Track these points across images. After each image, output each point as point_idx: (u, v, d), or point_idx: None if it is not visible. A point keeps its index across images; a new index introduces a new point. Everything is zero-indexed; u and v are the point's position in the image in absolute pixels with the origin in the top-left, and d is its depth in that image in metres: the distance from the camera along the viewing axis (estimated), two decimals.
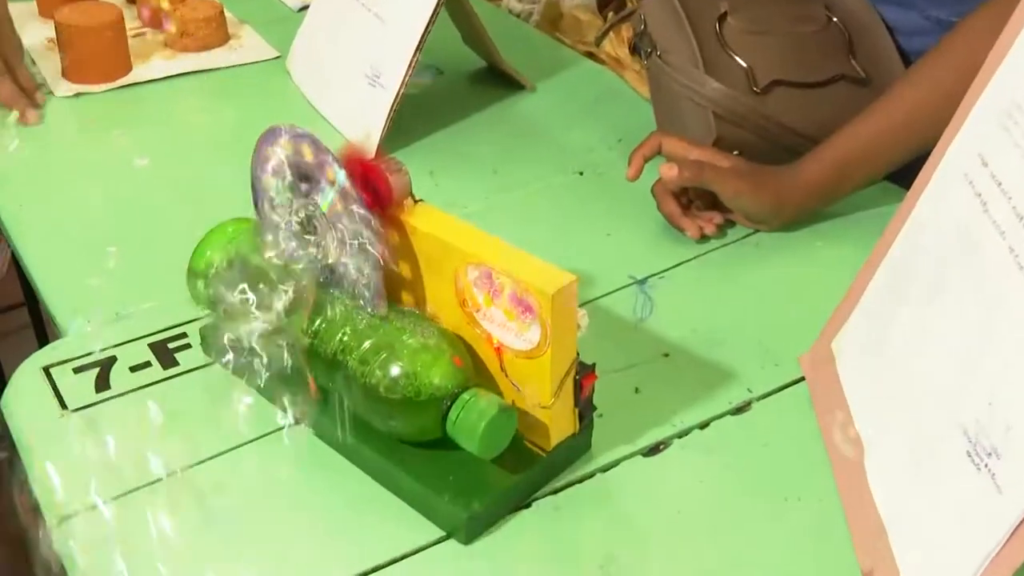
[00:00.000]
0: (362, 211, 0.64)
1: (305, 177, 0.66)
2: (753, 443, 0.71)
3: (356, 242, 0.65)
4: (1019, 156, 0.57)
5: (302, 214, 0.67)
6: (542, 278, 0.60)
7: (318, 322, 0.67)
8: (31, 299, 1.49)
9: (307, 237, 0.67)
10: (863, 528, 0.63)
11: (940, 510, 0.57)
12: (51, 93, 1.16)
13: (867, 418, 0.67)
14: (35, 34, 1.29)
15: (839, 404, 0.70)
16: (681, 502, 0.67)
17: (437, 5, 0.98)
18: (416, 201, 0.67)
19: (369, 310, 0.66)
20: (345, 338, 0.66)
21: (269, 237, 0.67)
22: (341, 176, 0.64)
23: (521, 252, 0.63)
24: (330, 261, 0.66)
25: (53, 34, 1.25)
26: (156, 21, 1.27)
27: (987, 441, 0.53)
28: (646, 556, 0.63)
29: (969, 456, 0.54)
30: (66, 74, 1.18)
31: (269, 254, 0.69)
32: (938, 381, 0.60)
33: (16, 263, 1.51)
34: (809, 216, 0.93)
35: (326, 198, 0.65)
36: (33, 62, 1.22)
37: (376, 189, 0.65)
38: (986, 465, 0.53)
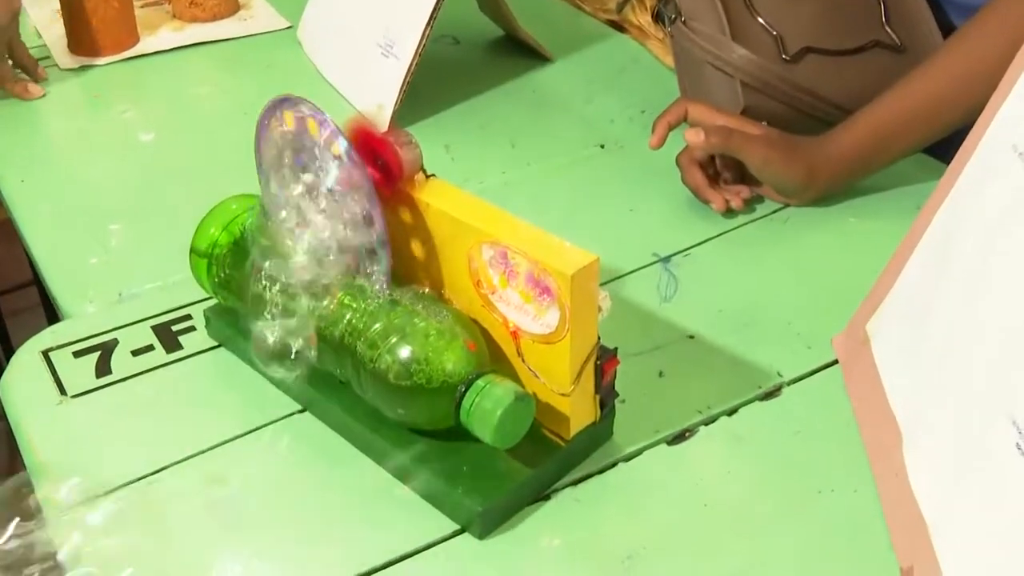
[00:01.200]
0: (368, 186, 0.60)
1: (310, 151, 0.63)
2: (783, 430, 0.67)
3: (363, 218, 0.61)
4: None
5: (307, 190, 0.63)
6: (561, 258, 0.57)
7: (325, 303, 0.63)
8: (40, 278, 1.46)
9: (312, 214, 0.63)
10: (902, 523, 0.59)
11: (986, 505, 0.53)
12: (56, 66, 1.12)
13: (906, 404, 0.63)
14: (41, 4, 1.26)
15: (875, 389, 0.66)
16: (708, 494, 0.63)
17: None
18: (428, 176, 0.64)
19: (377, 291, 0.63)
20: (353, 320, 0.62)
21: (273, 216, 0.64)
22: (346, 150, 0.60)
23: (539, 230, 0.59)
24: (336, 239, 0.63)
25: (58, 6, 1.22)
26: None
27: None
28: (671, 551, 0.60)
29: (1019, 448, 0.51)
30: (71, 46, 1.14)
31: (273, 233, 0.66)
32: (984, 367, 0.56)
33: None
34: (842, 190, 0.88)
35: (331, 173, 0.62)
36: (39, 34, 1.19)
37: (385, 163, 0.62)
38: None
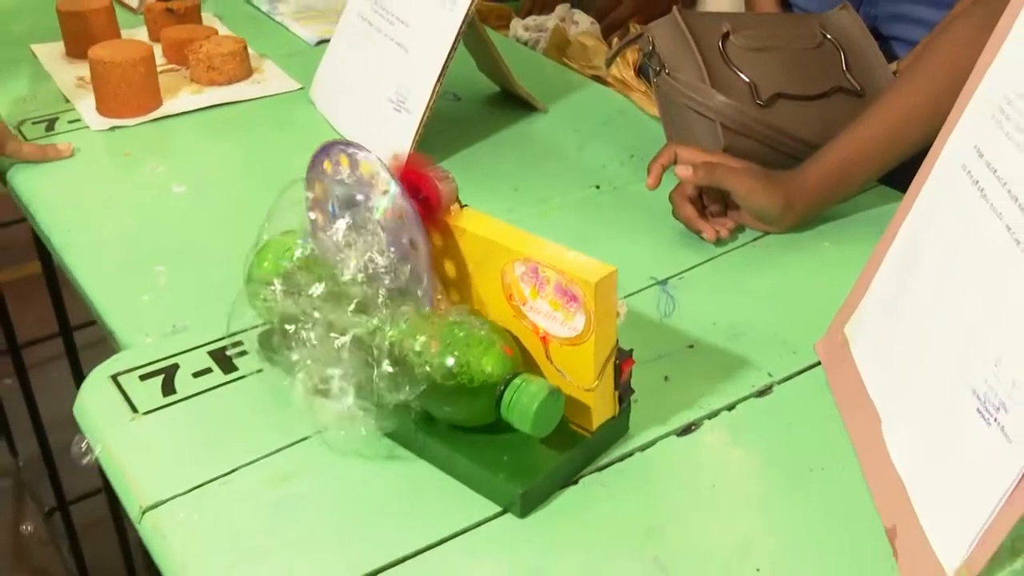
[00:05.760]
0: (414, 217, 0.70)
1: (360, 188, 0.72)
2: (777, 422, 0.77)
3: (409, 245, 0.71)
4: (1011, 146, 0.64)
5: (356, 222, 0.72)
6: (585, 269, 0.67)
7: (375, 321, 0.72)
8: (65, 330, 1.54)
9: (361, 244, 0.73)
10: (884, 489, 0.69)
11: (955, 465, 0.62)
12: (87, 127, 1.22)
13: (883, 391, 0.73)
14: (65, 74, 1.35)
15: (855, 382, 0.76)
16: (714, 476, 0.73)
17: (458, 34, 1.05)
18: (462, 206, 0.73)
19: (423, 307, 0.72)
20: (401, 334, 0.71)
21: (327, 247, 0.73)
22: (394, 185, 0.70)
23: (563, 248, 0.69)
24: (384, 264, 0.72)
25: (81, 73, 1.32)
26: (181, 58, 1.33)
27: (995, 398, 0.59)
28: (686, 525, 0.69)
29: (980, 413, 0.60)
30: (100, 109, 1.23)
31: (326, 262, 0.75)
32: (948, 350, 0.66)
33: (52, 294, 1.57)
34: (815, 216, 0.99)
35: (380, 206, 0.71)
36: (66, 99, 1.29)
37: (427, 196, 0.71)
38: (995, 419, 0.59)
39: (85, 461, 0.73)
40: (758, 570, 0.65)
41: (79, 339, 1.57)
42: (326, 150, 0.74)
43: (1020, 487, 0.56)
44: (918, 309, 0.71)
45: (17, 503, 1.97)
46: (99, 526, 1.72)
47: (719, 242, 0.98)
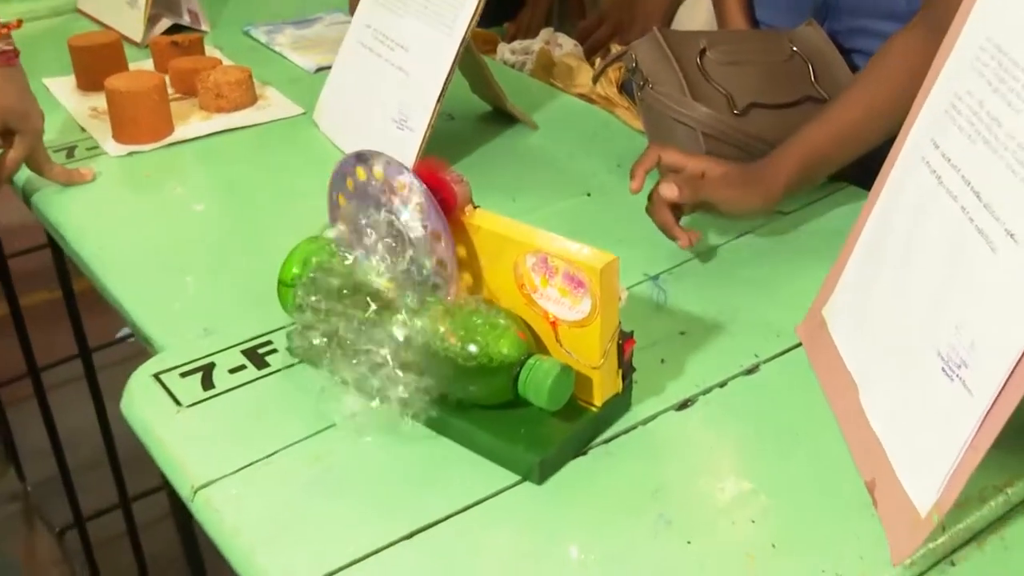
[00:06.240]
0: (438, 216, 0.78)
1: (383, 191, 0.80)
2: (765, 396, 0.85)
3: (432, 243, 0.79)
4: (963, 137, 0.72)
5: (382, 224, 0.80)
6: (591, 257, 0.75)
7: (402, 315, 0.80)
8: (83, 351, 1.59)
9: (387, 244, 0.80)
10: (863, 448, 0.77)
11: (924, 420, 0.71)
12: (105, 154, 1.29)
13: (858, 363, 0.81)
14: (78, 105, 1.42)
15: (833, 357, 0.84)
16: (711, 444, 0.81)
17: (456, 56, 1.13)
18: (475, 207, 0.81)
19: (445, 298, 0.79)
20: (426, 321, 0.79)
21: (354, 248, 0.81)
22: (419, 188, 0.78)
23: (568, 240, 0.77)
24: (408, 261, 0.79)
25: (94, 104, 1.40)
26: (190, 87, 1.41)
27: (957, 357, 0.67)
28: (687, 486, 0.77)
29: (944, 372, 0.69)
30: (117, 136, 1.31)
31: (350, 262, 0.83)
32: (915, 321, 0.74)
33: (72, 317, 1.63)
34: (787, 199, 1.07)
35: (404, 207, 0.79)
36: (82, 128, 1.36)
37: (444, 198, 0.79)
38: (958, 375, 0.67)
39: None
40: (753, 521, 0.73)
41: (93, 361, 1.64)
42: (352, 158, 0.82)
43: (980, 432, 0.64)
44: (887, 287, 0.79)
45: (27, 525, 2.02)
46: (116, 543, 1.78)
47: (703, 241, 1.06)
